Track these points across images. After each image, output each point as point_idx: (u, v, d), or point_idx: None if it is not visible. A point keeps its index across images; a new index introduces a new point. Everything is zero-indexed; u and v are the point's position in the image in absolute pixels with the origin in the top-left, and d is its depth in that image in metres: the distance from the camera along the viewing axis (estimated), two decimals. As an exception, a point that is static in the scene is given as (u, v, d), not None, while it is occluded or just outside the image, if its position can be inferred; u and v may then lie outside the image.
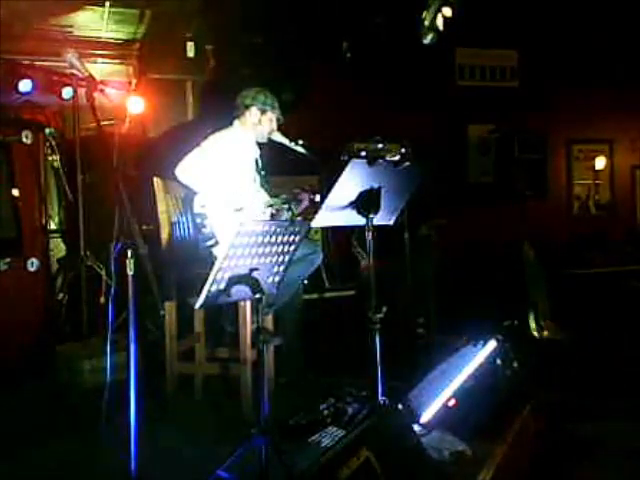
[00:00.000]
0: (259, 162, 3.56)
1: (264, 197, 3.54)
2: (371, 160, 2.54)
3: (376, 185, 2.62)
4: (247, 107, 3.44)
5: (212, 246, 3.22)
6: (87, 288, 4.23)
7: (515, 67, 6.90)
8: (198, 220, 3.28)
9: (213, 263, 2.09)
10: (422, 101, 6.18)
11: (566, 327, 5.01)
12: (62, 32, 5.06)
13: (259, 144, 3.54)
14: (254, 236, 2.15)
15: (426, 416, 2.72)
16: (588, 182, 7.25)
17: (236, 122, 3.48)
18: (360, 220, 2.65)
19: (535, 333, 4.97)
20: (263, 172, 3.60)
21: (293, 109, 5.50)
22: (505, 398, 3.01)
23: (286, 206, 3.40)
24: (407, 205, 2.94)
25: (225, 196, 3.23)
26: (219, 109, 3.64)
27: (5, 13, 4.39)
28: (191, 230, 3.45)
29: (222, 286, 2.11)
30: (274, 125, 3.49)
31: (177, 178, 3.22)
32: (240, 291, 2.17)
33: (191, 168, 3.19)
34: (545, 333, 4.99)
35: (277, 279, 2.38)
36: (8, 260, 3.91)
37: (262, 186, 3.60)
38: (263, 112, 3.45)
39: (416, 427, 2.59)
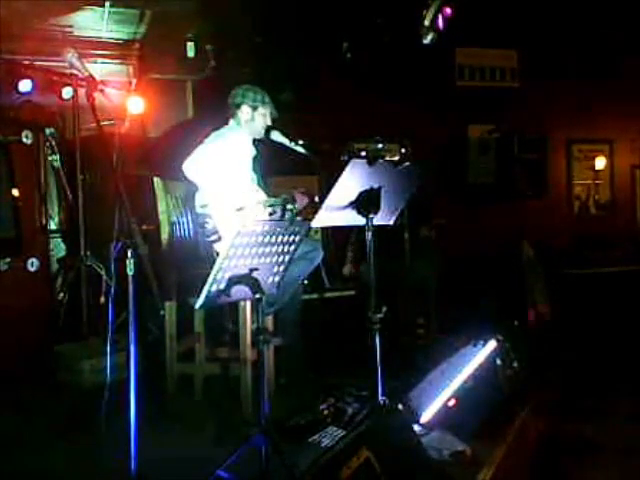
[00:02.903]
0: (255, 162, 3.57)
1: (263, 196, 3.54)
2: (371, 160, 2.54)
3: (376, 185, 2.61)
4: (238, 106, 3.46)
5: (214, 242, 3.21)
6: (87, 288, 4.23)
7: (515, 67, 6.90)
8: (200, 218, 3.29)
9: (214, 260, 2.08)
10: (422, 101, 6.18)
11: (565, 326, 5.02)
12: (62, 32, 5.06)
13: (255, 144, 3.56)
14: (254, 236, 2.15)
15: (426, 416, 2.73)
16: (588, 182, 7.25)
17: (231, 122, 3.51)
18: (360, 220, 2.65)
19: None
20: (259, 172, 3.61)
21: (293, 109, 5.51)
22: (505, 398, 3.01)
23: (288, 206, 3.40)
24: (407, 205, 2.94)
25: (227, 195, 3.24)
26: (219, 109, 3.65)
27: (5, 13, 4.39)
28: (191, 230, 3.46)
29: (222, 286, 2.11)
30: (267, 120, 3.50)
31: (184, 174, 3.22)
32: (240, 291, 2.17)
33: (198, 164, 3.19)
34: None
35: (277, 279, 2.38)
36: (8, 260, 3.91)
37: (259, 185, 3.61)
38: (254, 108, 3.47)
39: (416, 427, 2.60)
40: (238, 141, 3.45)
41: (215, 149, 3.27)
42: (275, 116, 3.54)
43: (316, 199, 3.36)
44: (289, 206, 3.31)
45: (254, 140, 3.54)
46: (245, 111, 3.46)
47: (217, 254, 3.12)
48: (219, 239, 3.20)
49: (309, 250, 3.45)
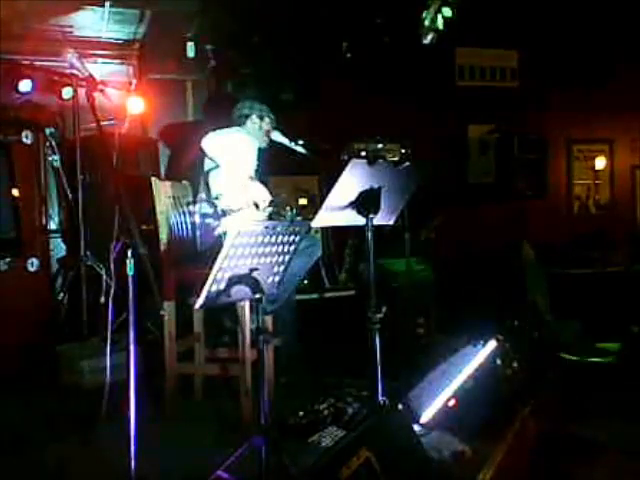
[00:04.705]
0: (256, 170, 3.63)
1: (267, 194, 3.56)
2: (371, 160, 2.54)
3: (376, 185, 2.62)
4: (247, 116, 3.70)
5: (225, 213, 3.23)
6: (87, 288, 4.23)
7: (515, 67, 6.90)
8: (214, 196, 3.34)
9: (215, 259, 2.08)
10: (422, 101, 6.18)
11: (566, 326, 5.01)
12: (62, 32, 5.06)
13: (259, 155, 3.61)
14: (254, 236, 2.15)
15: (426, 416, 2.73)
16: (588, 182, 7.24)
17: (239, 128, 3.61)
18: (360, 220, 2.65)
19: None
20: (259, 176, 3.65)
21: (293, 109, 5.51)
22: (505, 398, 3.01)
23: (288, 207, 3.41)
24: (407, 206, 2.94)
25: (237, 184, 3.27)
26: (219, 109, 3.69)
27: (5, 13, 4.39)
28: (189, 230, 3.46)
29: (222, 286, 2.11)
30: (270, 133, 3.70)
31: (203, 150, 3.39)
32: (240, 291, 2.17)
33: (218, 140, 3.38)
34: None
35: (277, 279, 2.38)
36: (8, 260, 3.91)
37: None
38: (261, 118, 3.70)
39: (416, 427, 2.60)
40: (250, 142, 3.56)
41: (234, 135, 3.48)
42: (276, 127, 3.73)
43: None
44: (287, 207, 3.33)
45: (259, 149, 3.64)
46: (254, 120, 3.69)
47: (224, 234, 3.12)
48: (231, 212, 3.22)
49: (308, 245, 3.47)
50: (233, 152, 3.36)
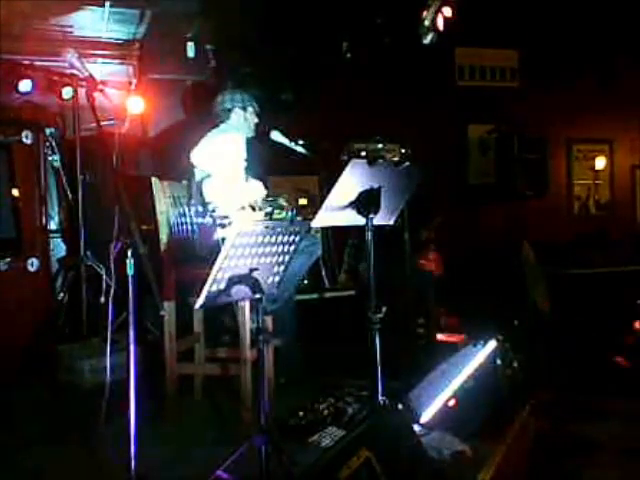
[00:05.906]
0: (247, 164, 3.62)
1: (263, 193, 3.56)
2: (371, 160, 2.54)
3: (376, 185, 2.62)
4: (230, 110, 3.60)
5: (224, 226, 3.22)
6: (87, 288, 4.23)
7: (515, 67, 6.90)
8: (210, 206, 3.32)
9: (214, 260, 2.07)
10: (422, 101, 6.18)
11: (565, 326, 5.02)
12: (62, 32, 5.06)
13: (248, 146, 3.60)
14: (254, 236, 2.15)
15: (426, 416, 2.73)
16: (588, 182, 7.25)
17: (223, 126, 3.60)
18: (360, 220, 2.65)
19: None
20: (250, 173, 3.65)
21: (293, 109, 5.51)
22: (505, 398, 3.01)
23: (284, 200, 3.41)
24: (407, 206, 2.94)
25: (231, 190, 3.27)
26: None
27: (5, 13, 4.39)
28: (189, 231, 3.46)
29: (222, 286, 2.11)
30: (255, 118, 3.66)
31: (191, 162, 3.36)
32: (240, 291, 2.17)
33: (206, 151, 3.35)
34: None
35: (277, 279, 2.38)
36: (8, 260, 3.91)
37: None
38: (245, 109, 3.62)
39: (416, 427, 2.60)
40: (235, 140, 3.53)
41: (220, 139, 3.42)
42: (259, 112, 3.67)
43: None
44: (285, 203, 3.32)
45: (247, 140, 3.61)
46: (238, 113, 3.61)
47: (223, 241, 3.11)
48: (229, 224, 3.21)
49: (308, 244, 3.47)
50: (222, 159, 3.32)
